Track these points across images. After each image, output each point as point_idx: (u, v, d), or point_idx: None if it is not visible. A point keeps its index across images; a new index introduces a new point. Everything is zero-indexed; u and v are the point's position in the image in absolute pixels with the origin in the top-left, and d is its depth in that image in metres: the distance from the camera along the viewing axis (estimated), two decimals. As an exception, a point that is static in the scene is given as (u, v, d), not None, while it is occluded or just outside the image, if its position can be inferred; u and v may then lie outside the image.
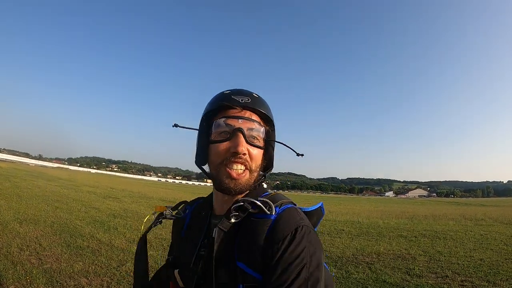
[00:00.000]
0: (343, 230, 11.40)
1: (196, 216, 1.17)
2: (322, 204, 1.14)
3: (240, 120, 0.99)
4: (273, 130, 1.11)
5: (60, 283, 4.30)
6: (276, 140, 1.11)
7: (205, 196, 1.28)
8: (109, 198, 16.95)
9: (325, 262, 1.00)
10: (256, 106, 1.02)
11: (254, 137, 1.01)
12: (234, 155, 0.96)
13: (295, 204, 1.06)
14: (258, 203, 0.96)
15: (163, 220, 1.18)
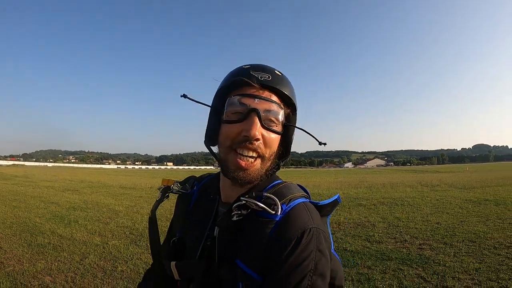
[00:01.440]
0: (304, 202, 11.63)
1: (203, 196, 1.09)
2: (338, 195, 1.03)
3: (256, 100, 0.86)
4: (295, 113, 0.96)
5: (24, 284, 4.21)
6: (296, 126, 0.97)
7: (209, 173, 1.22)
8: (67, 191, 16.31)
9: (334, 250, 0.96)
10: (277, 85, 0.88)
11: (271, 120, 0.88)
12: (246, 140, 0.84)
13: (308, 198, 0.96)
14: (261, 204, 0.83)
15: (170, 194, 1.09)
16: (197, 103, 0.98)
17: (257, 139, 0.84)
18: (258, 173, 0.88)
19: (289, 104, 0.93)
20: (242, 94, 0.87)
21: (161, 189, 1.09)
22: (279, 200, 0.85)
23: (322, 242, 0.83)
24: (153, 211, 1.06)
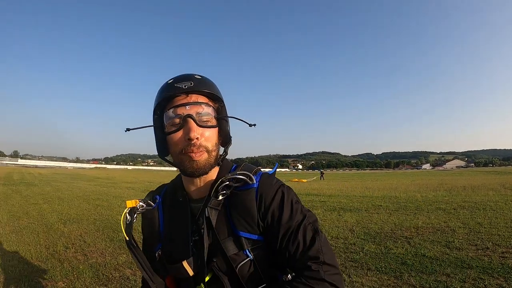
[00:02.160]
0: (381, 205, 11.27)
1: (171, 204, 1.17)
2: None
3: (187, 107, 0.99)
4: (223, 105, 1.10)
5: (106, 275, 4.48)
6: (228, 115, 1.10)
7: (167, 182, 1.35)
8: (147, 192, 17.24)
9: None
10: (201, 87, 1.02)
11: (205, 119, 1.01)
12: (189, 142, 0.97)
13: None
14: (242, 177, 1.02)
15: (137, 215, 1.14)
16: (144, 128, 1.09)
17: (198, 138, 0.97)
18: (208, 162, 1.02)
19: (216, 99, 1.08)
20: (174, 106, 1.00)
21: (127, 212, 1.12)
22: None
23: (293, 191, 1.08)
24: (129, 234, 1.09)
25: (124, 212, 1.12)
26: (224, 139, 1.11)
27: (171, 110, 1.00)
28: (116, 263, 5.00)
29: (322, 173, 47.14)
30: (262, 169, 1.14)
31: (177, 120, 0.99)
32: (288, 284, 0.92)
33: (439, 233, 6.78)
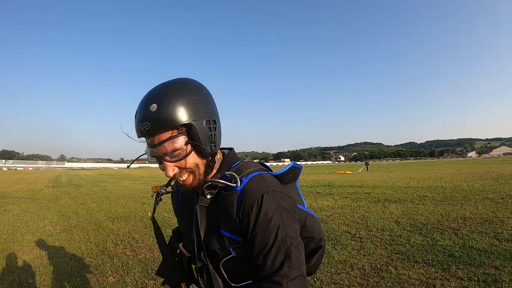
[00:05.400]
0: (426, 196, 11.00)
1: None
2: (293, 163, 1.23)
3: (155, 149, 0.98)
4: (191, 124, 0.97)
5: (155, 270, 4.60)
6: (192, 142, 0.99)
7: None
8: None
9: (303, 206, 1.25)
10: (157, 129, 0.95)
11: (175, 154, 0.98)
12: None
13: (266, 170, 1.14)
14: (221, 181, 1.01)
15: (162, 197, 1.27)
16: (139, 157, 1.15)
17: (174, 175, 1.02)
18: (198, 179, 1.06)
19: (182, 125, 0.97)
20: (147, 145, 1.02)
21: (153, 196, 1.28)
22: (238, 175, 1.02)
23: (282, 199, 1.02)
24: (152, 215, 1.31)
25: (153, 195, 1.28)
26: (204, 148, 1.02)
27: (146, 148, 1.04)
28: (164, 258, 5.14)
29: (367, 164, 47.04)
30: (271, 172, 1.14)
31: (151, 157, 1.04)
32: None
33: (487, 224, 6.53)
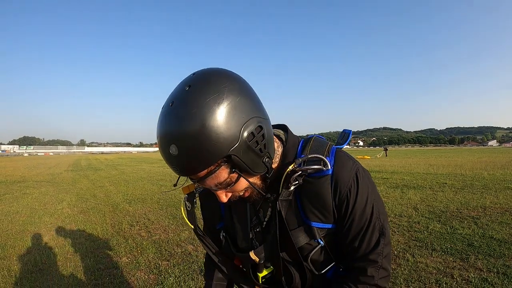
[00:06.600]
0: (446, 183, 10.82)
1: None
2: (350, 132, 1.15)
3: (200, 185, 0.92)
4: (230, 152, 0.73)
5: (168, 251, 4.67)
6: (239, 173, 0.79)
7: None
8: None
9: None
10: (190, 172, 0.76)
11: (223, 184, 0.81)
12: None
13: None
14: (316, 166, 0.89)
15: (196, 196, 1.07)
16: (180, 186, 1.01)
17: (231, 197, 0.88)
18: (256, 192, 0.89)
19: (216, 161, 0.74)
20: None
21: (186, 199, 1.05)
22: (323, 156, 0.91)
23: (368, 175, 0.96)
24: (193, 222, 1.05)
25: (183, 201, 1.05)
26: (257, 164, 0.82)
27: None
28: (178, 239, 5.20)
29: (386, 149, 47.91)
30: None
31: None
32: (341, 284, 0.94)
33: (508, 214, 6.33)
